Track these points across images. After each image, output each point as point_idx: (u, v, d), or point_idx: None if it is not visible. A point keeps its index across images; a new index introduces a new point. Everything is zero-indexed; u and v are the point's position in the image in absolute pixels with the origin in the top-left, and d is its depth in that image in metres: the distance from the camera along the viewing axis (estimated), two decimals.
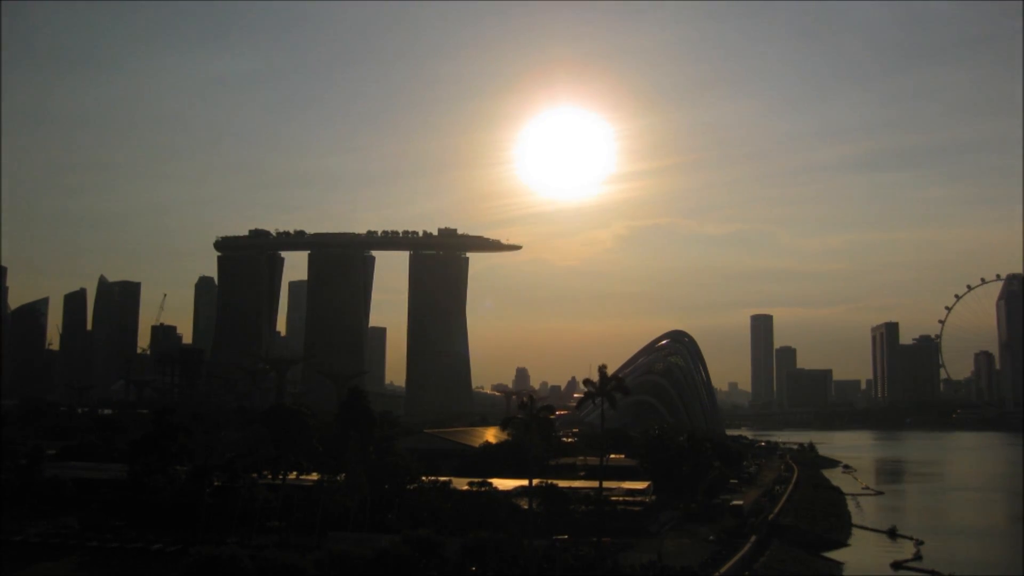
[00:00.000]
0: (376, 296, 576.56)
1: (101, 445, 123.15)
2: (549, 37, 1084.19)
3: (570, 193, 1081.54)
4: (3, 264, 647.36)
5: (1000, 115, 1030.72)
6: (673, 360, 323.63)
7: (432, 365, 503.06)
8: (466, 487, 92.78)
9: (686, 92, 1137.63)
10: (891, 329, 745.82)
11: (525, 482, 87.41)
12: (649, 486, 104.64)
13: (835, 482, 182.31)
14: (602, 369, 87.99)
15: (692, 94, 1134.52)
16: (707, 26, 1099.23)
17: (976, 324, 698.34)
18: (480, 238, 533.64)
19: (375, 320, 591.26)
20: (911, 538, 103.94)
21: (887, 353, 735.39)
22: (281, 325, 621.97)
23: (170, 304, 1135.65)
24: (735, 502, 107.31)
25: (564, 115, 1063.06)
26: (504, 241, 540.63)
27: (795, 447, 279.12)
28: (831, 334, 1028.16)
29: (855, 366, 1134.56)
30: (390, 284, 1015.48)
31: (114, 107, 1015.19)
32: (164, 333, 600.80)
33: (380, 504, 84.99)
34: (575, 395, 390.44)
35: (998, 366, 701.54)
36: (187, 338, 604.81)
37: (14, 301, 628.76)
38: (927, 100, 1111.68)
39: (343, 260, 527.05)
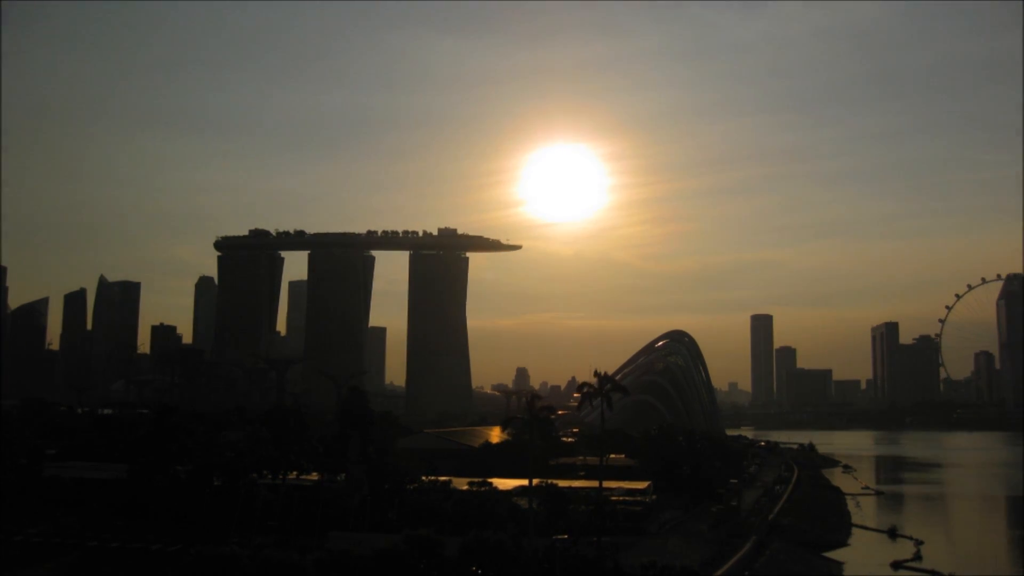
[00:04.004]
0: (376, 296, 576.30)
1: (101, 445, 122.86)
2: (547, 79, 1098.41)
3: (569, 206, 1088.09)
4: (3, 264, 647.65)
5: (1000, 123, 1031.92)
6: (673, 360, 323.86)
7: (432, 365, 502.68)
8: (466, 487, 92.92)
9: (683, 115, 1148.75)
10: (891, 329, 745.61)
11: (525, 482, 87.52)
12: (649, 486, 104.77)
13: (835, 482, 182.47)
14: (600, 373, 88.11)
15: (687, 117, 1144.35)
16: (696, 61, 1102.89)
17: (976, 324, 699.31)
18: (480, 238, 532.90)
19: (375, 320, 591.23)
20: (911, 538, 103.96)
21: (887, 353, 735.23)
22: (281, 325, 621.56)
23: (170, 304, 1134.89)
24: (732, 503, 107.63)
25: (561, 137, 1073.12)
26: (504, 241, 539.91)
27: (795, 447, 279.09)
28: (831, 334, 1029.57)
29: (855, 366, 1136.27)
30: (390, 284, 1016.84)
31: (114, 106, 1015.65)
32: (164, 333, 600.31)
33: (380, 504, 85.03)
34: (575, 395, 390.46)
35: (998, 366, 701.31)
36: (187, 338, 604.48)
37: (14, 301, 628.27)
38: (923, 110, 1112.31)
39: (343, 260, 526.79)
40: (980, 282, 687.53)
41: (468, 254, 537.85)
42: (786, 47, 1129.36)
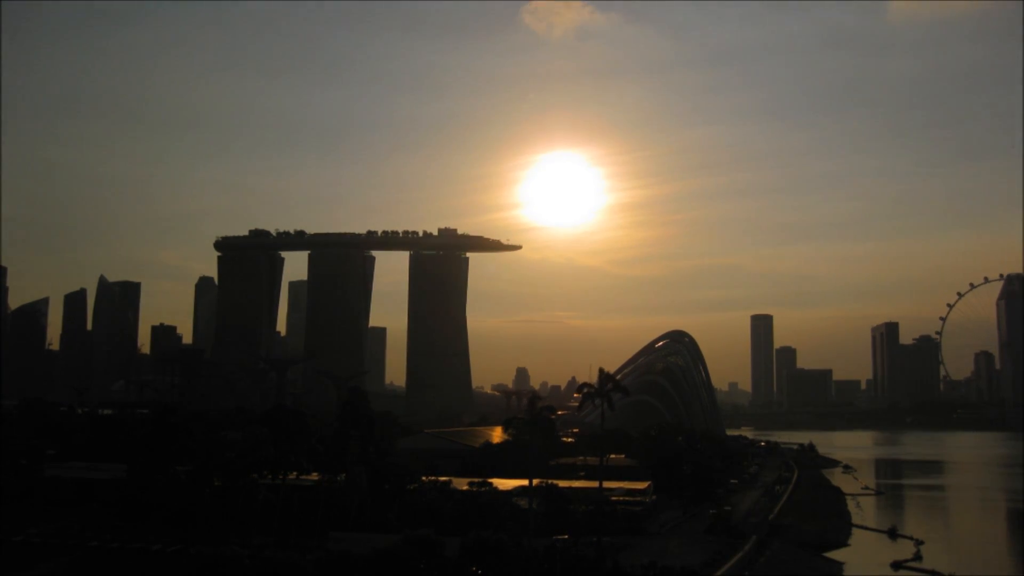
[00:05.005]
0: (376, 296, 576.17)
1: (101, 445, 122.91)
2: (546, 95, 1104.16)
3: (568, 209, 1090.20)
4: (3, 264, 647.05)
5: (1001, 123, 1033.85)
6: (673, 360, 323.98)
7: (432, 365, 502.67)
8: (466, 487, 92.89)
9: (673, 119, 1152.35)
10: (891, 329, 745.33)
11: (525, 482, 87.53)
12: (649, 486, 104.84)
13: (835, 482, 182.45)
14: (601, 371, 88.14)
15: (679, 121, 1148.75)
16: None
17: (976, 324, 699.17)
18: (480, 238, 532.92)
19: (375, 320, 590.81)
20: (911, 538, 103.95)
21: (887, 353, 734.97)
22: (281, 325, 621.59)
23: (170, 304, 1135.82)
24: (726, 507, 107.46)
25: (558, 143, 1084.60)
26: (504, 241, 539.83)
27: (795, 447, 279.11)
28: (831, 334, 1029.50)
29: (855, 366, 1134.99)
30: (390, 284, 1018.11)
31: (114, 105, 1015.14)
32: (164, 333, 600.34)
33: (380, 504, 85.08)
34: (575, 395, 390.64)
35: (998, 366, 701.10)
36: (187, 338, 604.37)
37: (14, 301, 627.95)
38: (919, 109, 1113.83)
39: (343, 260, 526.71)
40: (980, 282, 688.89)
41: (468, 254, 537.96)
42: (773, 53, 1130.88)
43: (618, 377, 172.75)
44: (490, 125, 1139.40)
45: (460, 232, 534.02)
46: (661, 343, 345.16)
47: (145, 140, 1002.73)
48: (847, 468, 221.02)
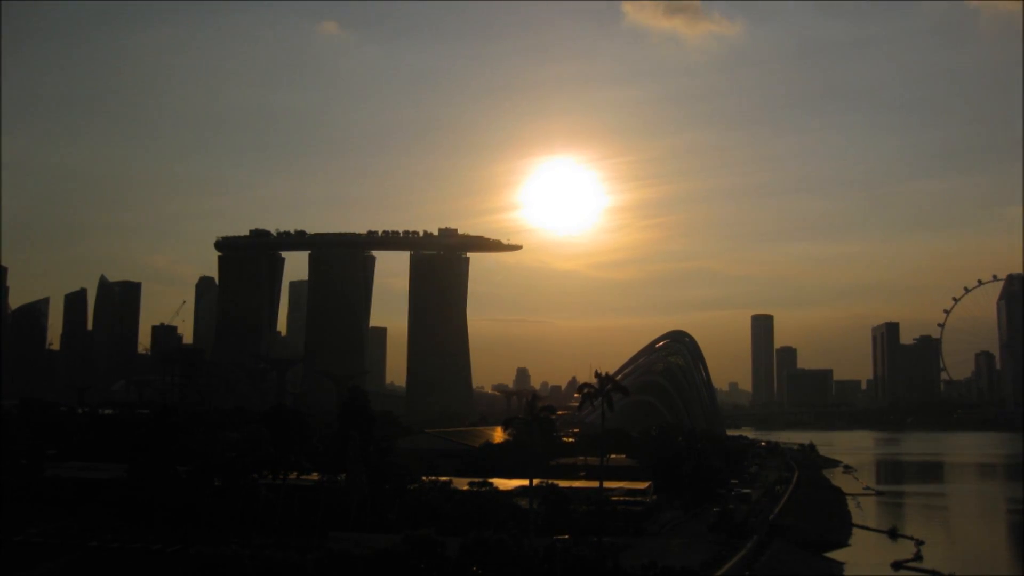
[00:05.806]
0: (376, 296, 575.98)
1: (101, 445, 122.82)
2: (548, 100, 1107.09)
3: (567, 210, 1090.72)
4: (3, 264, 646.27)
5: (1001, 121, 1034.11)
6: (673, 360, 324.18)
7: (432, 365, 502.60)
8: (466, 487, 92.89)
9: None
10: (891, 329, 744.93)
11: (525, 482, 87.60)
12: (649, 486, 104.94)
13: (835, 482, 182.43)
14: (601, 373, 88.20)
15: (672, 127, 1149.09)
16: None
17: (976, 324, 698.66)
18: (480, 238, 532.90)
19: (375, 320, 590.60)
20: (911, 538, 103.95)
21: (887, 353, 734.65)
22: (281, 325, 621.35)
23: (170, 304, 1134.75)
24: (730, 505, 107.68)
25: (557, 146, 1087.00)
26: (504, 241, 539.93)
27: (796, 447, 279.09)
28: (831, 334, 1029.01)
29: (855, 366, 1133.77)
30: (390, 284, 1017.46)
31: (115, 106, 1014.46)
32: (164, 333, 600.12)
33: (380, 504, 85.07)
34: (575, 395, 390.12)
35: (998, 366, 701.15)
36: (187, 338, 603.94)
37: (14, 301, 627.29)
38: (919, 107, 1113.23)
39: (343, 260, 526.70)
40: (980, 283, 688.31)
41: (468, 254, 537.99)
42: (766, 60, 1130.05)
43: (618, 377, 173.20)
44: (489, 128, 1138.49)
45: (460, 232, 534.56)
46: (661, 343, 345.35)
47: (145, 140, 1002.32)
48: (847, 468, 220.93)
